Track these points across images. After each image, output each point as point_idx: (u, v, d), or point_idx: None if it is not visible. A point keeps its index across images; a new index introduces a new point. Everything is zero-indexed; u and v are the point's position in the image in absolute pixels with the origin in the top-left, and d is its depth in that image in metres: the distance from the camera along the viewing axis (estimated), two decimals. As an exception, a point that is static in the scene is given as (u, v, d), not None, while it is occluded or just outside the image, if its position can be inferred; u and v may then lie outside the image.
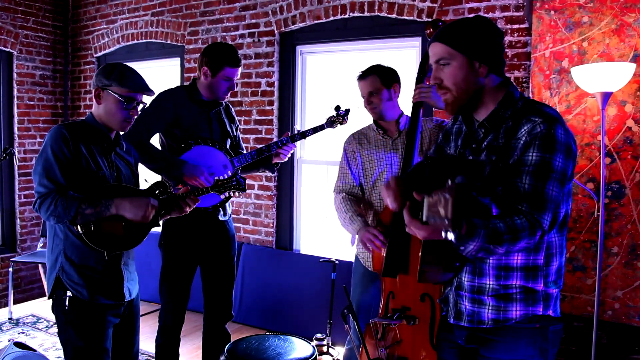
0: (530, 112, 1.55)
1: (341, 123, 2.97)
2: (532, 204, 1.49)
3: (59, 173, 2.02)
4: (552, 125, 1.50)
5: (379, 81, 2.58)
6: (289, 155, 2.99)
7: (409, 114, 2.58)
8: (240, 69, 2.81)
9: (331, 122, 2.95)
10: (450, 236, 1.30)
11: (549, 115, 1.52)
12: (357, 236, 2.55)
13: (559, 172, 1.50)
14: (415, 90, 2.47)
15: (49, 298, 2.17)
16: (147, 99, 2.25)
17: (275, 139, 4.19)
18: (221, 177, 2.47)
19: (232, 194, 2.60)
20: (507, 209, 1.52)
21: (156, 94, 2.80)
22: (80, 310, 2.12)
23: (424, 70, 2.49)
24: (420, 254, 1.62)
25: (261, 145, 2.92)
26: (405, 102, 2.67)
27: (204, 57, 2.76)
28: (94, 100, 2.18)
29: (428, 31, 2.44)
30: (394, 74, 2.65)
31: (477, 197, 1.57)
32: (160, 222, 2.40)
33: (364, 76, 2.62)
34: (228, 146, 2.90)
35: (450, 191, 1.26)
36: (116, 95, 2.12)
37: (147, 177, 2.48)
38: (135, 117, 2.20)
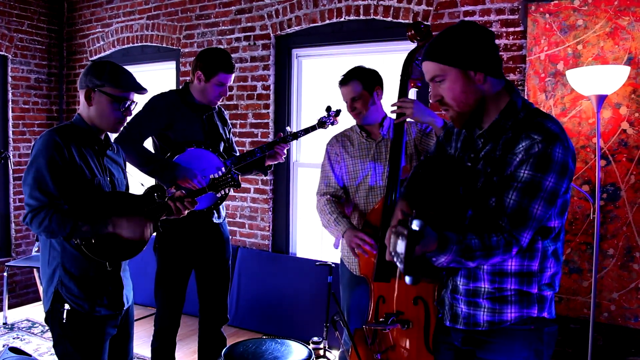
0: (531, 128, 1.52)
1: (332, 124, 2.99)
2: (513, 221, 1.49)
3: (51, 184, 1.92)
4: (550, 144, 1.47)
5: (361, 86, 2.54)
6: (284, 156, 2.99)
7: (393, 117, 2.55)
8: (233, 75, 2.81)
9: (322, 123, 2.97)
10: (407, 279, 1.30)
11: (549, 132, 1.49)
12: (342, 239, 2.52)
13: (548, 191, 1.49)
14: (396, 104, 2.36)
15: (45, 311, 2.09)
16: (139, 98, 2.15)
17: (271, 142, 4.18)
18: (216, 175, 2.46)
19: (227, 192, 2.60)
20: (487, 222, 1.53)
21: (149, 97, 2.80)
22: (78, 324, 2.04)
23: (408, 72, 2.39)
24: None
25: (253, 148, 2.92)
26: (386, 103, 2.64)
27: (198, 62, 2.76)
28: (82, 101, 2.07)
29: (410, 33, 2.42)
30: (376, 77, 2.60)
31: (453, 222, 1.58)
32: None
33: (345, 82, 2.57)
34: (221, 149, 2.90)
35: (404, 235, 1.26)
36: (109, 96, 2.02)
37: (143, 181, 2.46)
38: (128, 117, 2.12)
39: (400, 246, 1.27)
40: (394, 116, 2.43)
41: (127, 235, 2.00)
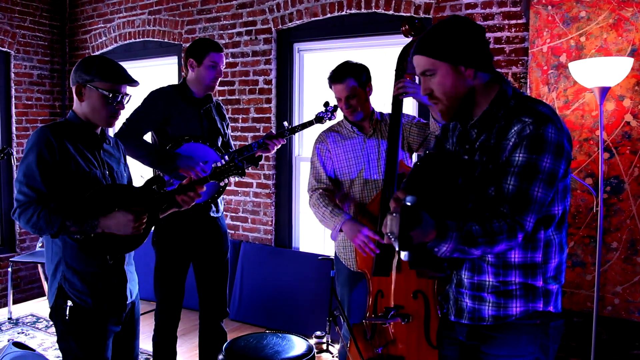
0: (522, 112, 1.52)
1: (330, 119, 3.01)
2: (514, 206, 1.47)
3: (40, 181, 1.91)
4: (541, 125, 1.47)
5: (356, 83, 2.53)
6: (275, 150, 2.98)
7: (382, 110, 2.52)
8: (224, 56, 2.84)
9: (319, 118, 2.99)
10: (402, 255, 1.28)
11: (540, 115, 1.49)
12: (339, 232, 2.49)
13: (546, 173, 1.47)
14: (397, 85, 2.38)
15: (50, 307, 2.09)
16: (138, 93, 2.13)
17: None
18: (218, 164, 2.40)
19: (225, 185, 2.58)
20: (489, 210, 1.51)
21: (147, 93, 2.80)
22: (81, 321, 2.04)
23: (403, 67, 2.42)
24: None
25: (250, 142, 2.92)
26: (388, 97, 2.63)
27: (187, 52, 2.81)
28: (74, 97, 2.05)
29: (404, 28, 2.42)
30: (367, 72, 2.60)
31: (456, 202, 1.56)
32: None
33: (339, 79, 2.54)
34: (219, 144, 2.90)
35: (397, 211, 1.25)
36: (100, 90, 1.99)
37: (142, 174, 2.45)
38: (122, 111, 2.08)
39: (395, 223, 1.26)
40: (381, 109, 2.44)
41: (117, 232, 1.98)
